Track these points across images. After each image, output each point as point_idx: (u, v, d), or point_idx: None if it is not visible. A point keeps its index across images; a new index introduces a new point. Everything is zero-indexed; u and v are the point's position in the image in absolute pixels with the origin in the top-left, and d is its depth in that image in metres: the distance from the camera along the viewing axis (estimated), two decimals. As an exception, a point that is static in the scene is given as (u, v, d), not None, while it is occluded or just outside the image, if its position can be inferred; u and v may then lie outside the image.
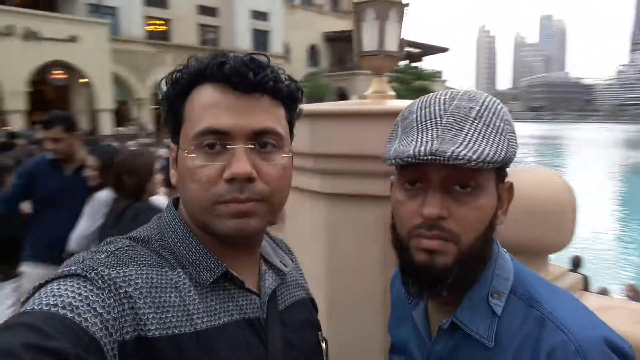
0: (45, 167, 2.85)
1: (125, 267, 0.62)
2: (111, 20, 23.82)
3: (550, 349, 0.66)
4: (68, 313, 0.53)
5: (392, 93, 1.65)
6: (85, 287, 0.57)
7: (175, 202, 0.76)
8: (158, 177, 2.53)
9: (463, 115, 0.70)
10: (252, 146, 0.66)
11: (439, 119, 0.69)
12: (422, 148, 0.65)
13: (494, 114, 0.72)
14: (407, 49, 41.09)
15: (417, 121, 0.71)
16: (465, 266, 0.70)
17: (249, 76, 0.65)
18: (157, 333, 0.59)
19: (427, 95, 0.75)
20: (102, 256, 0.63)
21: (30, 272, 2.84)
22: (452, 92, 0.74)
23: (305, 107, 1.38)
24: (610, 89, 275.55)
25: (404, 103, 1.53)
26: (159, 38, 28.08)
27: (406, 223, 0.72)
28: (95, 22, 21.92)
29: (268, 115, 0.69)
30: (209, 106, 0.66)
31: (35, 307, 0.53)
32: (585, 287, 6.01)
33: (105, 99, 22.26)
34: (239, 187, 0.64)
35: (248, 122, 0.66)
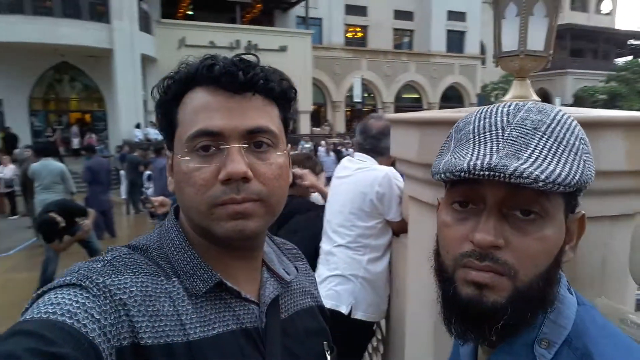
0: None
1: (121, 276, 0.62)
2: (315, 30, 26.22)
3: None
4: (67, 320, 0.54)
5: (536, 98, 1.45)
6: (81, 294, 0.57)
7: (176, 210, 0.75)
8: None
9: (531, 129, 0.59)
10: (247, 145, 0.65)
11: (500, 131, 0.60)
12: (479, 162, 0.56)
13: (567, 130, 0.60)
14: (632, 42, 34.46)
15: (473, 133, 0.62)
16: (520, 307, 0.58)
17: (238, 76, 0.65)
18: (149, 342, 0.59)
19: (489, 105, 0.66)
20: (98, 265, 0.64)
21: None
22: (519, 103, 0.63)
23: (413, 114, 1.33)
24: None
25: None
26: (357, 44, 29.65)
27: (452, 250, 0.62)
28: (301, 32, 24.34)
29: (261, 114, 0.67)
30: (200, 109, 0.66)
31: (35, 316, 0.54)
32: None
33: (306, 101, 24.52)
34: (235, 188, 0.63)
35: (241, 121, 0.65)
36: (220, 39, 21.75)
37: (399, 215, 2.09)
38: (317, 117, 27.98)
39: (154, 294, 0.63)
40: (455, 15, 30.44)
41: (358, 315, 2.10)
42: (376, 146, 2.21)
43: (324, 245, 2.27)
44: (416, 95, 31.49)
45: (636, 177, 1.14)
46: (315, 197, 3.13)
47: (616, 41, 34.00)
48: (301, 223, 2.43)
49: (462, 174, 0.57)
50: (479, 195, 0.60)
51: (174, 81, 0.69)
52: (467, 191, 0.61)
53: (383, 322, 2.38)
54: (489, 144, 0.59)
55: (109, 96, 18.80)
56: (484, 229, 0.58)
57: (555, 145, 0.58)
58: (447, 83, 31.03)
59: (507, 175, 0.54)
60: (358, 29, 30.30)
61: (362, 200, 2.11)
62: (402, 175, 2.07)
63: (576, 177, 0.56)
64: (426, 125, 1.25)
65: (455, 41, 31.03)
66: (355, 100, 25.04)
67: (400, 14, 30.53)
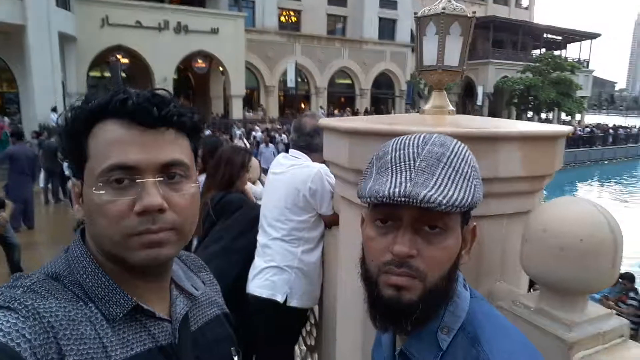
0: None
1: (45, 300, 0.64)
2: (248, 13, 25.70)
3: None
4: (1, 338, 0.55)
5: (452, 108, 1.62)
6: (11, 315, 0.59)
7: (81, 234, 0.75)
8: (247, 176, 2.79)
9: (435, 160, 0.73)
10: (161, 178, 0.68)
11: (412, 162, 0.73)
12: (397, 190, 0.70)
13: (463, 160, 0.75)
14: (546, 35, 37.17)
15: (391, 162, 0.75)
16: (429, 303, 0.73)
17: (153, 111, 0.68)
18: None
19: (401, 137, 0.79)
20: (18, 291, 0.64)
21: None
22: (425, 136, 0.77)
23: (344, 124, 1.45)
24: None
25: (454, 122, 1.51)
26: (290, 28, 29.47)
27: (376, 259, 0.76)
28: (234, 14, 23.74)
29: (174, 148, 0.71)
30: (114, 142, 0.67)
31: None
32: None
33: (238, 85, 24.11)
34: (150, 219, 0.66)
35: (155, 155, 0.68)
36: (147, 18, 20.70)
37: (330, 210, 2.22)
38: (250, 102, 27.63)
39: (76, 318, 0.65)
40: (387, 4, 31.18)
41: (293, 303, 2.23)
42: (310, 143, 2.32)
43: (261, 238, 2.37)
44: (349, 81, 32.04)
45: (529, 181, 1.35)
46: (255, 189, 3.20)
47: (533, 34, 36.51)
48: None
49: (384, 199, 0.70)
50: (397, 215, 0.74)
51: (82, 111, 0.70)
52: (387, 212, 0.75)
53: (316, 308, 2.53)
54: (404, 173, 0.73)
55: (21, 77, 17.29)
56: (401, 242, 0.72)
57: (453, 174, 0.72)
58: (379, 70, 31.86)
59: (418, 201, 0.68)
60: (292, 13, 30.12)
61: (295, 195, 2.23)
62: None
63: (469, 200, 0.71)
64: (355, 135, 1.38)
65: (387, 29, 31.83)
66: (289, 85, 25.00)
67: (334, 0, 30.69)
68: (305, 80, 29.87)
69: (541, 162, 1.35)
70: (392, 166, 0.74)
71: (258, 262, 2.33)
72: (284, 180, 2.29)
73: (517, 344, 0.74)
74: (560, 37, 38.38)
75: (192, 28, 21.88)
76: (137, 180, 0.67)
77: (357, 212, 1.52)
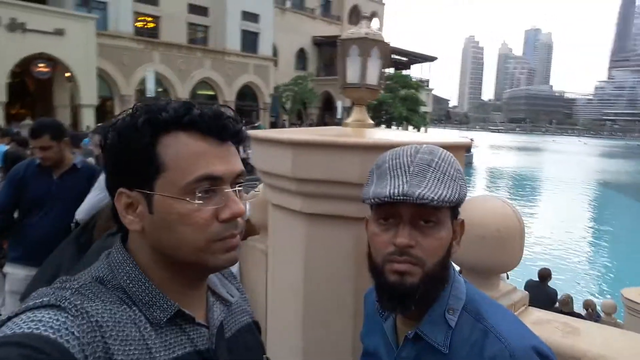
0: (34, 171, 2.89)
1: (92, 302, 0.67)
2: (99, 15, 23.64)
3: (491, 355, 0.83)
4: (51, 335, 0.58)
5: (371, 122, 1.82)
6: (61, 314, 0.62)
7: (122, 241, 0.78)
8: None
9: (425, 166, 0.87)
10: (241, 188, 0.76)
11: (407, 168, 0.86)
12: (396, 190, 0.82)
13: (448, 164, 0.89)
14: (395, 56, 41.38)
15: (389, 169, 0.88)
16: (428, 285, 0.86)
17: (229, 127, 0.75)
18: None
19: (395, 149, 0.92)
20: (67, 293, 0.67)
21: (16, 273, 2.90)
22: (416, 146, 0.91)
23: (287, 136, 1.54)
24: (590, 104, 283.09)
25: (376, 135, 1.70)
26: (148, 35, 27.86)
27: (381, 251, 0.87)
28: (83, 16, 21.65)
29: (238, 159, 0.78)
30: (198, 154, 0.71)
31: (17, 331, 0.57)
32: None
33: (89, 94, 21.98)
34: (234, 225, 0.74)
35: (233, 166, 0.75)
36: (-30, 12, 17.71)
37: (245, 215, 2.26)
38: (103, 112, 25.34)
39: (121, 320, 0.68)
40: (249, 16, 31.38)
41: None
42: None
43: None
44: (212, 93, 31.47)
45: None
46: None
47: (381, 55, 40.13)
48: None
49: (386, 199, 0.83)
50: (397, 213, 0.86)
51: (147, 122, 0.71)
52: (388, 210, 0.87)
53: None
54: (400, 177, 0.86)
55: None
56: (402, 234, 0.85)
57: (441, 176, 0.87)
58: (242, 82, 31.87)
59: (414, 199, 0.81)
60: (149, 19, 28.52)
61: None
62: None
63: (456, 196, 0.86)
64: (298, 146, 1.47)
65: (250, 42, 32.04)
66: (148, 95, 23.62)
67: (195, 9, 29.92)
68: (166, 90, 28.49)
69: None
70: (390, 172, 0.87)
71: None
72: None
73: (510, 316, 0.93)
74: (406, 59, 42.97)
75: (31, 27, 19.36)
76: (225, 190, 0.72)
77: (295, 220, 1.61)
